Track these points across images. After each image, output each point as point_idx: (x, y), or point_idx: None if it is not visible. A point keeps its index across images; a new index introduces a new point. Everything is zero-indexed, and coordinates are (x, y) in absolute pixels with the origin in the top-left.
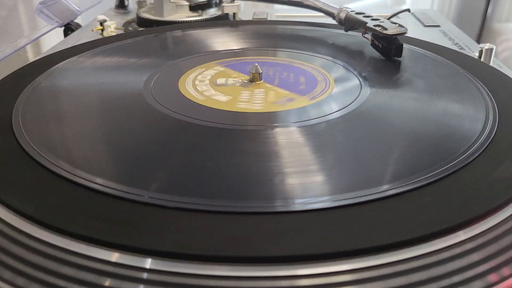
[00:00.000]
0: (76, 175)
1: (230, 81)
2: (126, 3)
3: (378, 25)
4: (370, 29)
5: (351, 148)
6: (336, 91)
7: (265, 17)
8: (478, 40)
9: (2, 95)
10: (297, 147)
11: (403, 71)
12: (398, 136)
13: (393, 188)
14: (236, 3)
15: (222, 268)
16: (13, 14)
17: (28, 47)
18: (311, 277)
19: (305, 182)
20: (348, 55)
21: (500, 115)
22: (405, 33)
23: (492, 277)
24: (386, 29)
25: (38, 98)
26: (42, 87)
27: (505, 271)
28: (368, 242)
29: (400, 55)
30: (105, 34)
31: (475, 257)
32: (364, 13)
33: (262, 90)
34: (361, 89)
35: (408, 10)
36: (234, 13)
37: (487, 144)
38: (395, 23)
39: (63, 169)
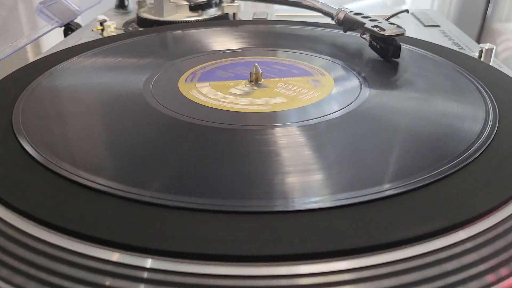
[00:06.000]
0: (76, 175)
1: (239, 89)
2: (126, 3)
3: (376, 26)
4: (368, 30)
5: (351, 148)
6: (336, 91)
7: (265, 17)
8: (478, 40)
9: (2, 95)
10: (297, 147)
11: (403, 71)
12: (398, 136)
13: (392, 188)
14: (236, 3)
15: (222, 267)
16: (13, 14)
17: (28, 47)
18: (310, 276)
19: (305, 182)
20: (348, 55)
21: (500, 115)
22: (403, 34)
23: (491, 277)
24: (384, 30)
25: (38, 98)
26: (42, 87)
27: (505, 270)
28: (367, 242)
29: (398, 56)
30: (105, 34)
31: (474, 256)
32: (362, 14)
33: (282, 83)
34: (361, 89)
35: (407, 11)
36: (234, 13)
37: (487, 144)
38: (394, 24)
39: (63, 168)
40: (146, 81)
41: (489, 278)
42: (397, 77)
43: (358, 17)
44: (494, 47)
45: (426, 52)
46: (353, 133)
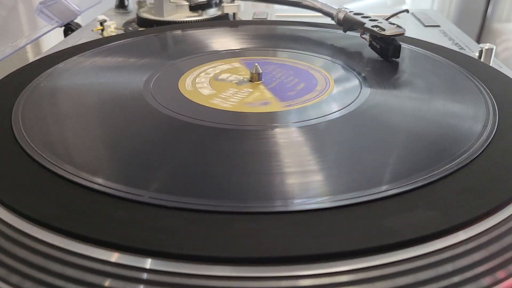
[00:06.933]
0: (76, 175)
1: (232, 77)
2: (126, 3)
3: (376, 26)
4: (368, 29)
5: (351, 148)
6: (336, 91)
7: (265, 17)
8: (478, 40)
9: (2, 95)
10: (297, 147)
11: (403, 71)
12: (398, 136)
13: (392, 188)
14: (236, 3)
15: (222, 268)
16: (13, 14)
17: (28, 47)
18: (311, 277)
19: (305, 182)
20: (348, 55)
21: (500, 115)
22: (403, 34)
23: (492, 278)
24: (384, 30)
25: (38, 98)
26: (42, 87)
27: (505, 271)
28: (367, 242)
29: (398, 56)
30: (105, 34)
31: (475, 257)
32: (362, 14)
33: (250, 90)
34: (361, 89)
35: (407, 11)
36: (234, 13)
37: (487, 144)
38: (394, 24)
39: (63, 169)
40: (146, 81)
41: (490, 278)
42: (397, 77)
43: (358, 17)
44: (494, 47)
45: (426, 52)
46: (353, 133)
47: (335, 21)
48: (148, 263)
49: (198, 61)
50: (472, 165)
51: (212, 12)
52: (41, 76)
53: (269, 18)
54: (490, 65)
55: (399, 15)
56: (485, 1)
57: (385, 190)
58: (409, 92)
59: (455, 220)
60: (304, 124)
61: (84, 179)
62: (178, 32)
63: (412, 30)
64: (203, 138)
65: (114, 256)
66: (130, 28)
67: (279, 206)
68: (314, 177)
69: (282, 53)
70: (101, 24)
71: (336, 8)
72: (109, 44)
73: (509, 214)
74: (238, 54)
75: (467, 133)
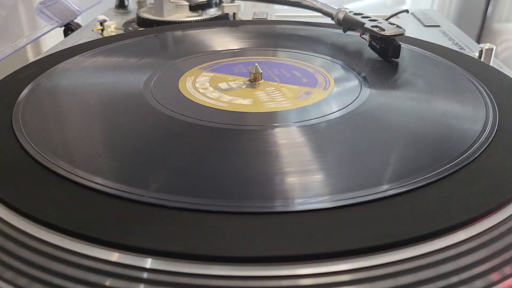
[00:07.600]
0: (76, 175)
1: (233, 84)
2: (126, 3)
3: (376, 26)
4: (367, 30)
5: (351, 148)
6: (336, 91)
7: (265, 17)
8: (478, 40)
9: (2, 95)
10: (297, 147)
11: (403, 71)
12: (398, 136)
13: (392, 188)
14: (236, 3)
15: (222, 268)
16: (13, 14)
17: (28, 47)
18: (311, 276)
19: (305, 182)
20: (348, 55)
21: (500, 115)
22: (402, 34)
23: (492, 277)
24: (383, 30)
25: (38, 98)
26: (42, 87)
27: (505, 270)
28: (367, 242)
29: (397, 56)
30: (105, 34)
31: (475, 257)
32: (362, 14)
33: (273, 88)
34: (361, 89)
35: (407, 11)
36: (234, 13)
37: (487, 144)
38: (393, 24)
39: (63, 168)
40: (146, 81)
41: (490, 278)
42: (397, 77)
43: (358, 17)
44: (494, 47)
45: (426, 52)
46: (353, 133)
47: (335, 21)
48: (148, 262)
49: (198, 61)
50: (472, 166)
51: (212, 12)
52: (41, 76)
53: (269, 18)
54: (490, 65)
55: (399, 15)
56: (485, 1)
57: (385, 190)
58: (409, 92)
59: (454, 220)
60: (304, 124)
61: (84, 178)
62: (178, 32)
63: (412, 30)
64: (203, 138)
65: (115, 256)
66: (130, 28)
67: (279, 206)
68: (314, 177)
69: (282, 53)
70: (101, 24)
71: (336, 8)
72: (109, 44)
73: (509, 214)
74: (238, 54)
75: (467, 133)
